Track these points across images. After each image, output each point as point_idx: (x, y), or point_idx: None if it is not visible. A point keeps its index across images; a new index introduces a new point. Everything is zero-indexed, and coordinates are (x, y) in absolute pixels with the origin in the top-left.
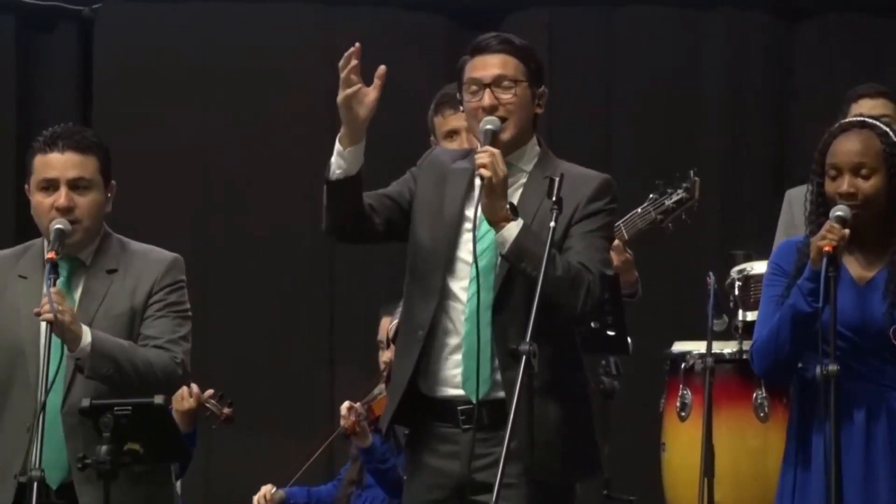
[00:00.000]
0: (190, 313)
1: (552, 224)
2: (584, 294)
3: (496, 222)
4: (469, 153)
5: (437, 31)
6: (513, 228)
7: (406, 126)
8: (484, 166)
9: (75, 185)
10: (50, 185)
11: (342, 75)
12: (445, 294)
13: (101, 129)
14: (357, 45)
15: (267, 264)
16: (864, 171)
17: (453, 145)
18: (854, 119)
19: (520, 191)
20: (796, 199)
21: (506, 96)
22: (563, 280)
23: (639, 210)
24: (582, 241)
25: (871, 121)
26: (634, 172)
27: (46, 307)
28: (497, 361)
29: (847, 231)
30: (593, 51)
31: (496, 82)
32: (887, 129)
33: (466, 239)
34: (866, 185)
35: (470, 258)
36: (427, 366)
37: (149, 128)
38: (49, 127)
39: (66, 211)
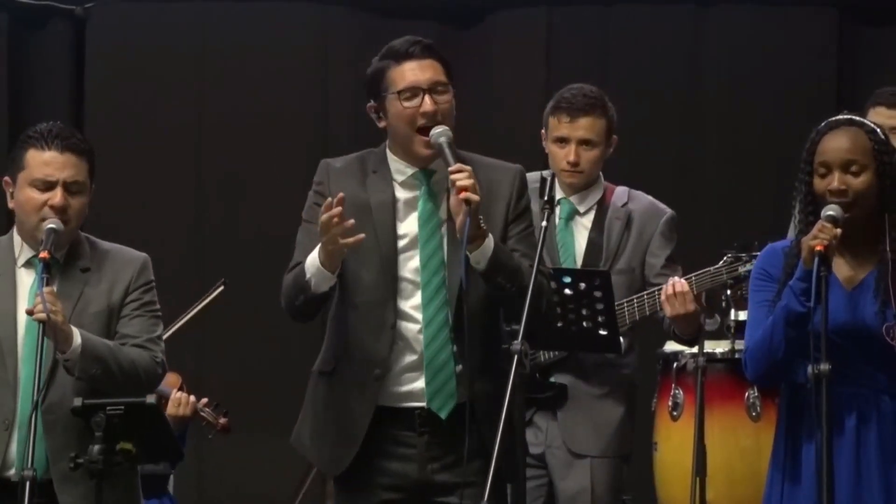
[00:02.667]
0: (160, 314)
1: (543, 223)
2: (546, 298)
3: (474, 240)
4: (364, 160)
5: (427, 32)
6: (489, 244)
7: None
8: (466, 189)
9: (71, 187)
10: (46, 185)
11: (329, 234)
12: (396, 322)
13: (93, 128)
14: (341, 195)
15: (261, 268)
16: (854, 168)
17: (561, 152)
18: (841, 117)
19: (444, 196)
20: None
21: (442, 100)
22: (533, 290)
23: (711, 269)
24: (523, 243)
25: (858, 119)
26: (631, 173)
27: (39, 307)
28: (459, 372)
29: (839, 230)
30: (591, 49)
31: (433, 88)
32: (875, 127)
33: (406, 257)
34: (857, 182)
35: (415, 277)
36: (382, 388)
37: (141, 127)
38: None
39: (60, 211)
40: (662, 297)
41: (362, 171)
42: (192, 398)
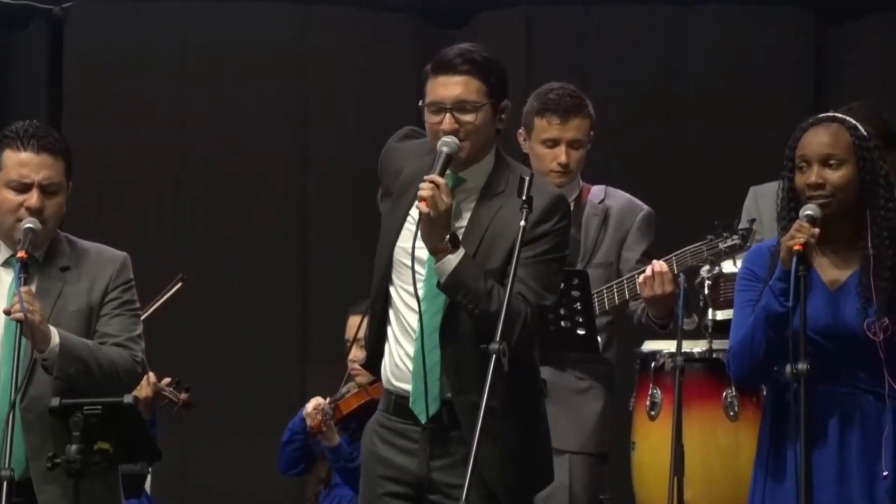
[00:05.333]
0: (140, 312)
1: (522, 223)
2: (520, 328)
3: (435, 253)
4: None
5: (408, 29)
6: (451, 260)
7: (375, 124)
8: (423, 200)
9: (47, 188)
10: (22, 186)
11: None
12: (388, 312)
13: (71, 127)
14: None
15: (240, 263)
16: (832, 162)
17: (550, 153)
18: (823, 115)
19: (472, 205)
20: (762, 195)
21: (466, 119)
22: (498, 315)
23: (691, 248)
24: (525, 269)
25: (840, 115)
26: (611, 171)
27: (17, 307)
28: (445, 381)
29: (817, 230)
30: (571, 49)
31: (457, 106)
32: (856, 124)
33: (418, 246)
34: (834, 176)
35: (420, 269)
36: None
37: (119, 127)
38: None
39: (36, 212)
40: (641, 279)
41: (424, 152)
42: (153, 378)
